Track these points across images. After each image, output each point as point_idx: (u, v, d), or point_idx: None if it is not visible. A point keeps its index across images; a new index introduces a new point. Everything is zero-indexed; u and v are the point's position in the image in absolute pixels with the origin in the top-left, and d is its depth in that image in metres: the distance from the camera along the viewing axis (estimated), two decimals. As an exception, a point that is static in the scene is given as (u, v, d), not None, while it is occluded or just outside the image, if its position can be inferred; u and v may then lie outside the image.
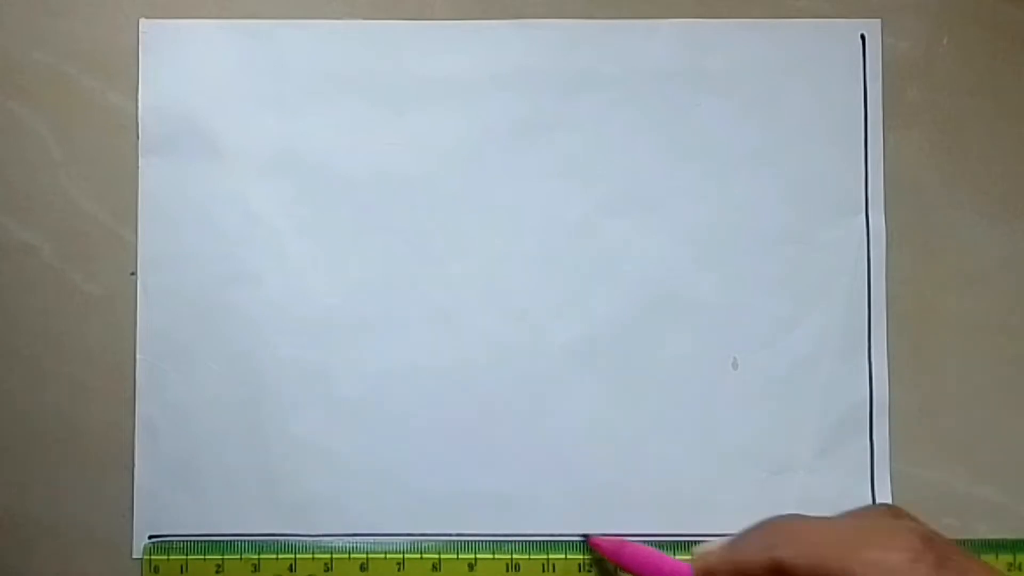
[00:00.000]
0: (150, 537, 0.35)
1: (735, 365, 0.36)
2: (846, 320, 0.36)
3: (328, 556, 0.35)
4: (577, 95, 0.36)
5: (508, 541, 0.35)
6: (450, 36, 0.36)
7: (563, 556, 0.35)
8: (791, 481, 0.35)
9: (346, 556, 0.35)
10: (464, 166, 0.36)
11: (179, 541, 0.35)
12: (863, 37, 0.36)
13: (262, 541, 0.35)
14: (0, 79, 0.36)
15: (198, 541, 0.35)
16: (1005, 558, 0.35)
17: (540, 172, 0.36)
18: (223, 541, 0.35)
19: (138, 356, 0.35)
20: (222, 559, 0.35)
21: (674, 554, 0.34)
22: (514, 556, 0.35)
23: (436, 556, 0.35)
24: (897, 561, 0.27)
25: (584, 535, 0.35)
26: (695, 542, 0.35)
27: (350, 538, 0.35)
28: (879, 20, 0.36)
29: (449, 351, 0.36)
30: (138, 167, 0.36)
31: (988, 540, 0.35)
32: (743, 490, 0.35)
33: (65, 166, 0.36)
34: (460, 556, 0.35)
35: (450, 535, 0.35)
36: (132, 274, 0.35)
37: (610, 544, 0.34)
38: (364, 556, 0.35)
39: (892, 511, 0.30)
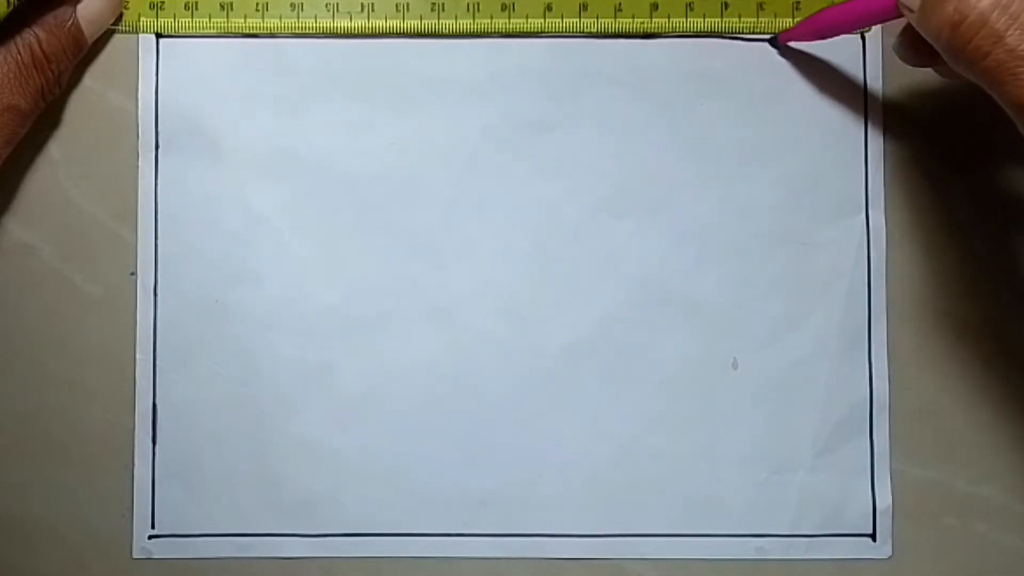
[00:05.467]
0: (150, 537, 0.35)
1: (735, 365, 0.36)
2: (846, 320, 0.36)
3: (328, 558, 0.35)
4: (577, 95, 0.36)
5: (508, 541, 0.35)
6: (450, 36, 0.36)
7: (563, 556, 0.35)
8: (791, 481, 0.35)
9: (346, 558, 0.35)
10: (464, 166, 0.36)
11: (179, 540, 0.35)
12: (863, 37, 0.36)
13: (262, 540, 0.35)
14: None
15: (198, 540, 0.35)
16: None
17: (540, 172, 0.36)
18: (223, 540, 0.35)
19: (138, 356, 0.35)
20: (222, 558, 0.35)
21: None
22: (515, 557, 0.35)
23: (436, 556, 0.35)
24: None
25: None
26: (695, 542, 0.35)
27: (350, 538, 0.35)
28: (879, 20, 0.36)
29: (449, 350, 0.36)
30: (138, 167, 0.36)
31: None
32: (743, 490, 0.35)
33: (65, 166, 0.36)
34: (460, 556, 0.35)
35: (450, 535, 0.35)
36: (132, 274, 0.35)
37: (802, 26, 0.34)
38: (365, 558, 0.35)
39: None
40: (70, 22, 0.34)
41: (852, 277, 0.36)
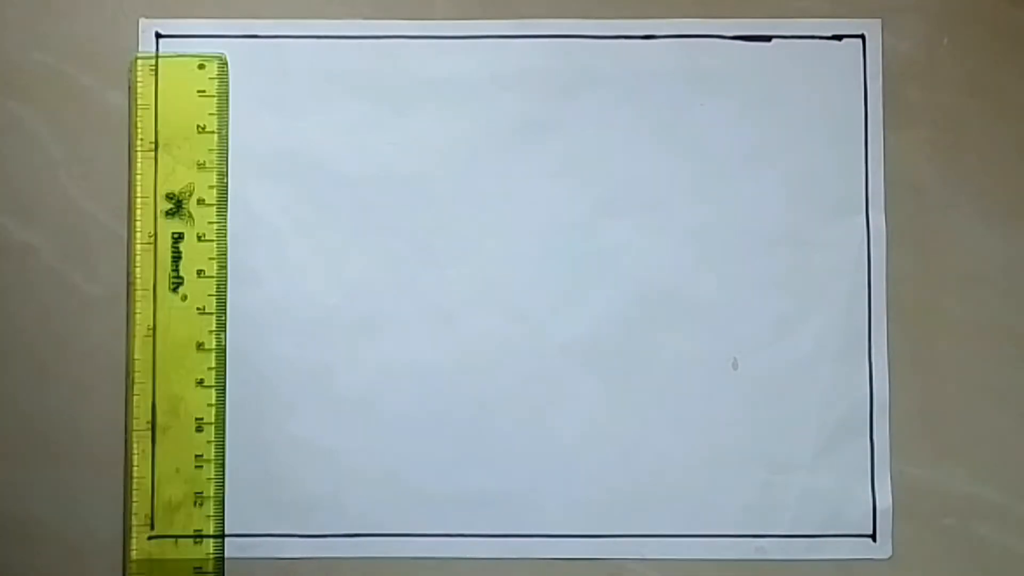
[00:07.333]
0: (150, 537, 0.35)
1: (735, 365, 0.36)
2: (846, 320, 0.36)
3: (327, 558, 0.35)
4: (577, 95, 0.36)
5: (508, 541, 0.35)
6: (450, 36, 0.36)
7: (564, 556, 0.35)
8: (791, 481, 0.35)
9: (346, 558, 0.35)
10: (464, 166, 0.36)
11: (179, 541, 0.35)
12: (863, 37, 0.36)
13: (262, 540, 0.35)
14: (0, 79, 0.36)
15: (197, 541, 0.35)
16: None
17: (540, 172, 0.36)
18: (223, 541, 0.35)
19: (138, 356, 0.35)
20: (221, 559, 0.35)
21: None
22: (514, 557, 0.35)
23: (436, 556, 0.35)
24: None
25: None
26: (695, 542, 0.35)
27: (350, 539, 0.35)
28: (879, 20, 0.36)
29: (449, 350, 0.36)
30: (138, 167, 0.36)
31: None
32: (743, 490, 0.35)
33: (65, 166, 0.36)
34: (460, 556, 0.35)
35: (450, 535, 0.35)
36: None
37: None
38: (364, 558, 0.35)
39: None
40: None
41: (852, 277, 0.36)
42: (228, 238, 0.35)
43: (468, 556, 0.35)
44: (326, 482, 0.35)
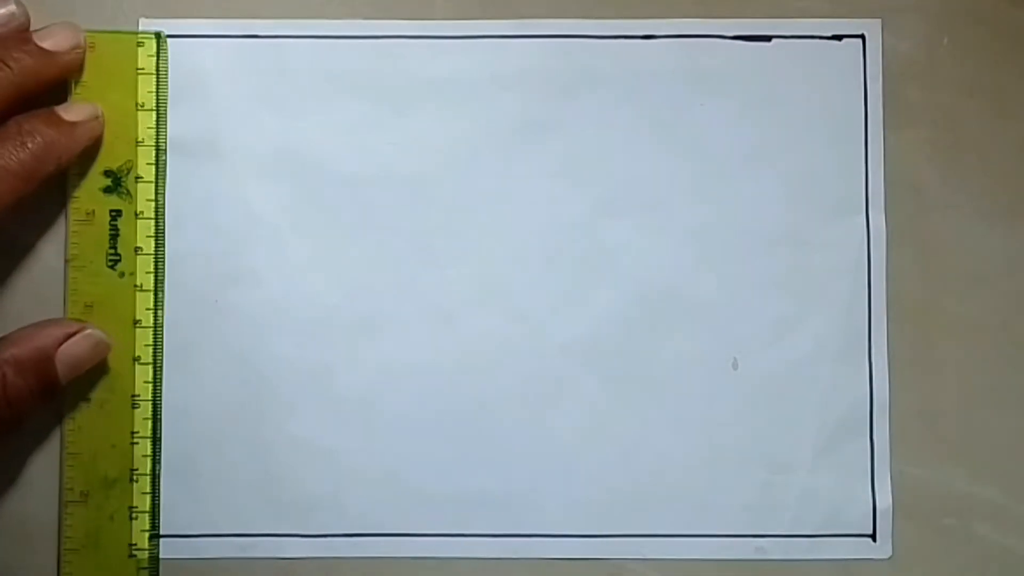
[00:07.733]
0: (150, 537, 0.35)
1: (735, 365, 0.36)
2: (846, 320, 0.36)
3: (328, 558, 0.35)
4: (577, 95, 0.36)
5: (508, 541, 0.35)
6: (450, 36, 0.36)
7: (564, 556, 0.35)
8: (791, 481, 0.35)
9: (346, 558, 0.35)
10: (464, 166, 0.36)
11: (179, 541, 0.35)
12: (863, 37, 0.36)
13: (262, 541, 0.35)
14: None
15: (198, 541, 0.35)
16: None
17: (540, 172, 0.36)
18: (223, 541, 0.35)
19: (138, 356, 0.35)
20: (222, 559, 0.35)
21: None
22: (514, 557, 0.35)
23: (436, 556, 0.35)
24: None
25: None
26: (695, 542, 0.35)
27: (350, 539, 0.35)
28: (879, 20, 0.36)
29: (449, 351, 0.36)
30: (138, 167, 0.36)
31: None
32: (743, 490, 0.35)
33: (65, 166, 0.35)
34: (460, 556, 0.35)
35: (450, 535, 0.35)
36: (132, 274, 0.35)
37: None
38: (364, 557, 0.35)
39: None
40: (46, 363, 0.32)
41: (852, 277, 0.36)
42: (167, 217, 0.35)
43: (468, 556, 0.35)
44: (326, 482, 0.35)
